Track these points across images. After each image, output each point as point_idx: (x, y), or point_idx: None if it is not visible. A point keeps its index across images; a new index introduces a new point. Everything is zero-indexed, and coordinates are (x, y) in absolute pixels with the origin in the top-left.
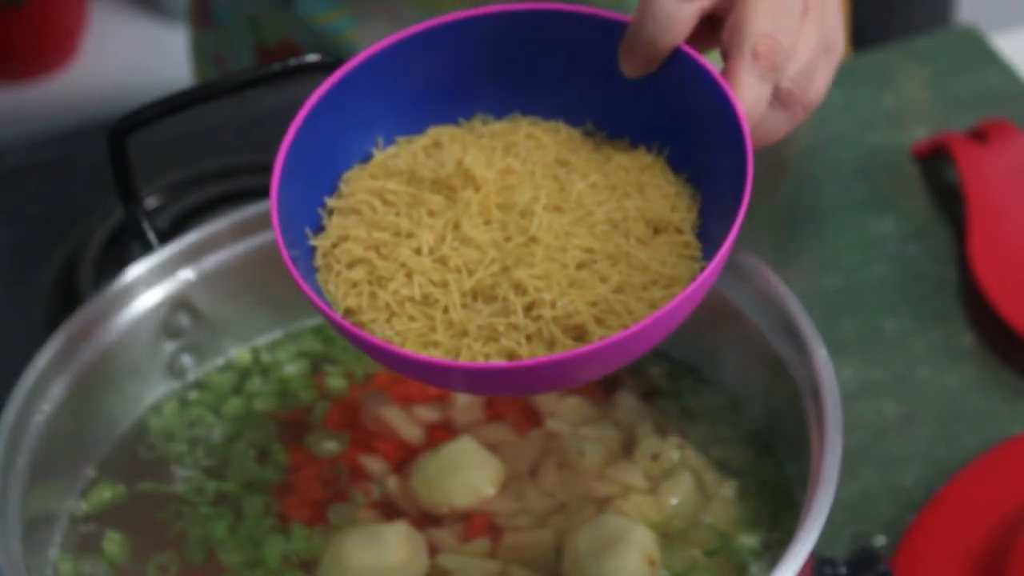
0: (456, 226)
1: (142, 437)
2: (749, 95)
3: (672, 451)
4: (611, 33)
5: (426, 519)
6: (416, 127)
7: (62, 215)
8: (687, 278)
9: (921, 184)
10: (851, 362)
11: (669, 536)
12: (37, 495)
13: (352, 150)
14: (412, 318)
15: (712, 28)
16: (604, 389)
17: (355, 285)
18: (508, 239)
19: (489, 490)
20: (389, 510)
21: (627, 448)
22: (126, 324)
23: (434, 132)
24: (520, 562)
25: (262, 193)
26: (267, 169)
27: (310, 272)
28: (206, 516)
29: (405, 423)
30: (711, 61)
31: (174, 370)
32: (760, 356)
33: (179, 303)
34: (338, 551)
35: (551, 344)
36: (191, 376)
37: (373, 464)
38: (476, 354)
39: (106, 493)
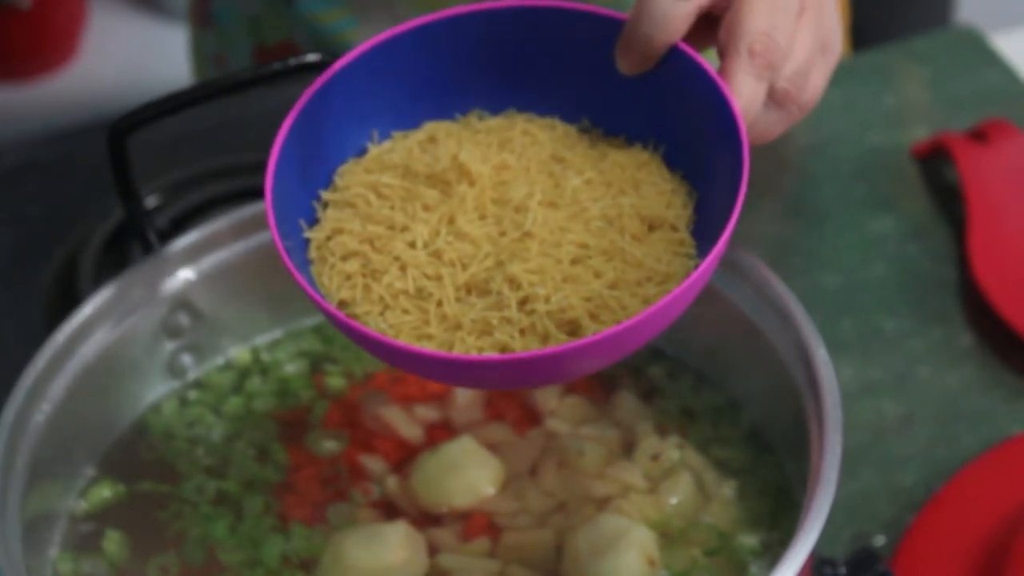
0: (451, 220)
1: (142, 436)
2: (745, 93)
3: (672, 451)
4: (608, 30)
5: (426, 519)
6: (412, 122)
7: (62, 215)
8: (681, 275)
9: (921, 184)
10: (851, 362)
11: (669, 536)
12: (37, 494)
13: (347, 144)
14: (406, 311)
15: (709, 26)
16: (604, 389)
17: (349, 278)
18: (503, 234)
19: (489, 490)
20: (389, 510)
21: (627, 448)
22: (126, 323)
23: (430, 127)
24: (520, 562)
25: (262, 193)
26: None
27: (304, 264)
28: (206, 515)
29: (405, 423)
30: (708, 60)
31: (174, 369)
32: (760, 356)
33: (179, 302)
34: (338, 551)
35: (545, 338)
36: (191, 375)
37: (373, 464)
38: (470, 347)
39: (106, 492)
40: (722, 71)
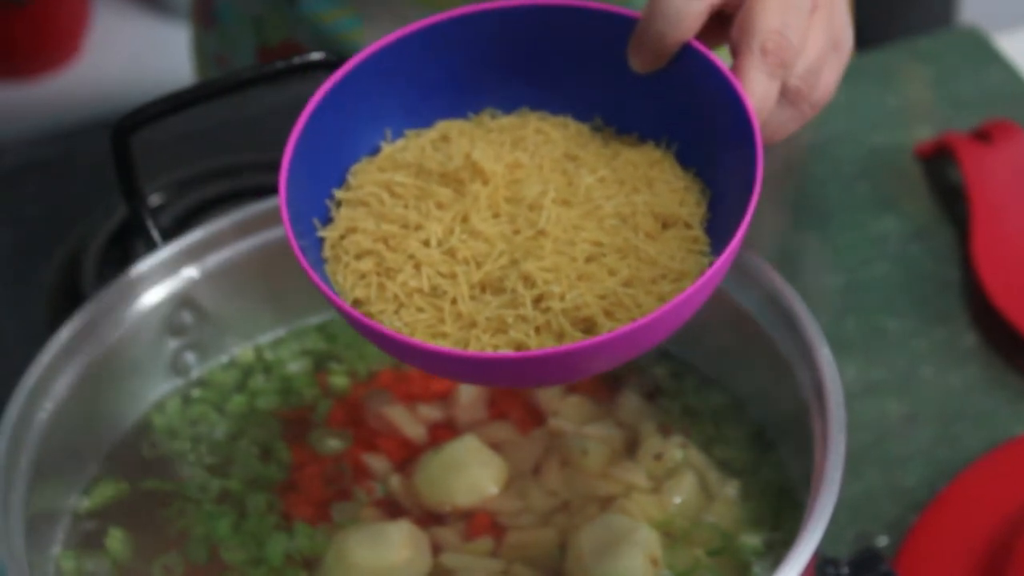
0: (464, 219)
1: (145, 434)
2: (758, 91)
3: (675, 450)
4: (620, 28)
5: (429, 518)
6: (424, 121)
7: (64, 213)
8: (696, 273)
9: (924, 184)
10: (854, 362)
11: (672, 535)
12: (40, 492)
13: (360, 143)
14: (420, 309)
15: (721, 24)
16: (607, 388)
17: (363, 276)
18: (517, 232)
19: (492, 489)
20: (392, 508)
21: (630, 447)
22: (129, 321)
23: (442, 126)
24: (523, 561)
25: (265, 191)
26: (270, 167)
27: (318, 263)
28: (209, 514)
29: (408, 421)
30: (720, 58)
31: (177, 368)
32: (763, 356)
33: (182, 301)
34: (341, 549)
35: (560, 336)
36: (194, 374)
37: (376, 462)
38: (485, 345)
39: (109, 490)
40: (735, 69)
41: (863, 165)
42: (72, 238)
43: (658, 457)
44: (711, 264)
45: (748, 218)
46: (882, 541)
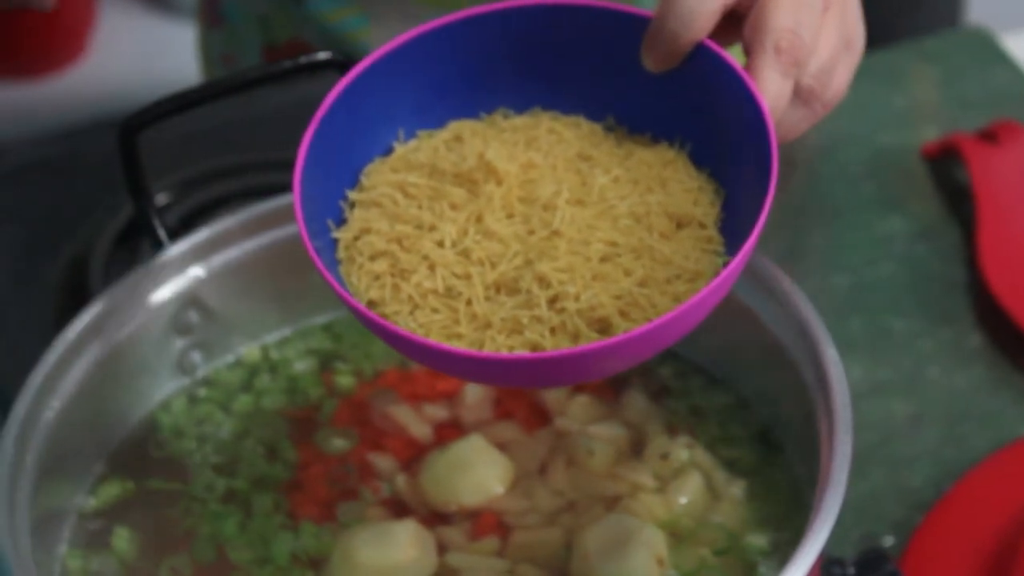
0: (479, 219)
1: (151, 434)
2: (771, 90)
3: (681, 450)
4: (633, 27)
5: (435, 517)
6: (437, 121)
7: (71, 212)
8: (710, 273)
9: (931, 184)
10: (860, 362)
11: (678, 535)
12: (46, 491)
13: (373, 144)
14: (435, 310)
15: (734, 23)
16: (613, 388)
17: (378, 277)
18: (531, 232)
19: (498, 488)
20: (398, 508)
21: (636, 447)
22: (136, 321)
23: (455, 126)
24: (529, 561)
25: (272, 190)
26: (277, 166)
27: (332, 265)
28: (215, 513)
29: (414, 421)
30: (733, 56)
31: (183, 367)
32: (770, 355)
33: (189, 300)
34: (347, 549)
35: (575, 337)
36: (200, 373)
37: (382, 462)
38: (500, 346)
39: (115, 489)
40: (748, 68)
41: (869, 165)
42: (78, 237)
43: (664, 457)
44: (726, 264)
45: (763, 217)
46: (888, 541)
